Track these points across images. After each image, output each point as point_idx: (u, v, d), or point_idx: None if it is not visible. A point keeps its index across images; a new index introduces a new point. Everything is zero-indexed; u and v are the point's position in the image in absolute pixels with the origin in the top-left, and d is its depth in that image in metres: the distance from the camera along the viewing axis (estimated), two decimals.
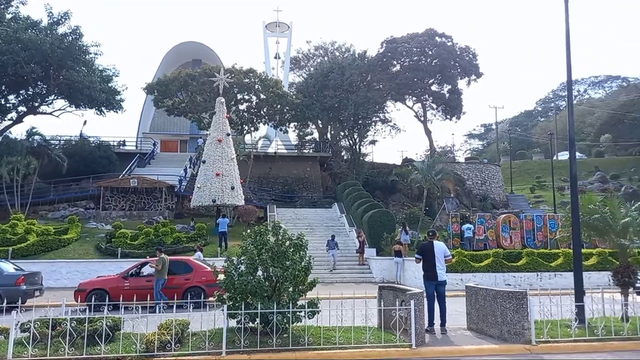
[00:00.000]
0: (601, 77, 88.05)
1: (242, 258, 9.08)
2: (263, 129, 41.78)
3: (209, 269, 13.85)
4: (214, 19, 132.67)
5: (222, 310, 8.17)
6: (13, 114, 35.08)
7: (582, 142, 63.73)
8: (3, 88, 32.91)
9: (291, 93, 39.84)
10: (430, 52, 40.13)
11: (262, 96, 36.94)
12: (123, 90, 36.87)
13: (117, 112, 37.40)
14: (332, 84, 38.44)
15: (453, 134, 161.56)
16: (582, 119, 69.04)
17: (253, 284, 8.45)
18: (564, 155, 53.51)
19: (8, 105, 34.62)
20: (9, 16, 31.29)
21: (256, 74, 36.84)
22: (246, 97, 37.62)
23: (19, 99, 34.54)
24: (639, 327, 8.86)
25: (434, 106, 42.85)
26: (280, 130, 40.50)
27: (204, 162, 26.07)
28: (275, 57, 52.19)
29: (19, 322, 7.76)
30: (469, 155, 59.64)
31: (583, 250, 17.73)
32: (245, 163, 32.33)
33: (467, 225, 24.14)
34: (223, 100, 27.43)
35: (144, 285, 13.55)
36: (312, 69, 47.59)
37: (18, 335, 7.70)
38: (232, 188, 25.27)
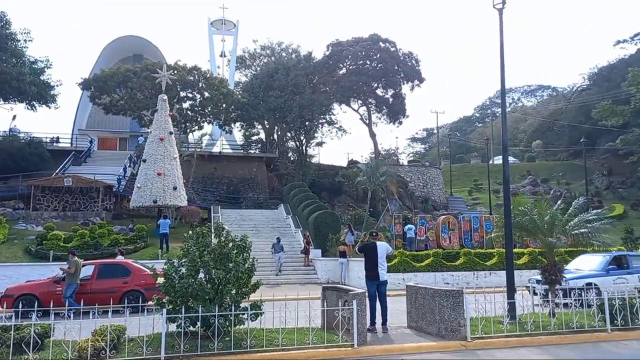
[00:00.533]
0: (533, 87, 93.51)
1: (183, 260, 8.88)
2: (208, 128, 40.97)
3: (148, 271, 13.38)
4: (157, 13, 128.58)
5: (162, 314, 7.92)
6: None
7: (516, 148, 67.38)
8: None
9: (237, 92, 39.33)
10: (375, 57, 40.95)
11: (207, 94, 36.20)
12: (57, 85, 34.77)
13: (49, 107, 35.30)
14: (278, 84, 38.35)
15: (397, 138, 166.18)
16: (515, 126, 73.00)
17: (194, 287, 8.27)
18: (499, 160, 56.32)
19: None
20: None
21: (200, 72, 36.07)
22: (190, 95, 36.70)
23: None
24: (564, 322, 9.48)
25: (378, 110, 43.75)
26: (225, 130, 39.87)
27: (144, 161, 25.19)
28: (221, 55, 51.37)
29: None
30: (411, 158, 61.38)
31: (515, 250, 18.78)
32: (189, 163, 31.55)
33: (409, 225, 24.82)
34: (166, 97, 26.64)
35: (78, 289, 12.84)
36: (258, 68, 47.26)
37: None
38: (175, 188, 24.60)
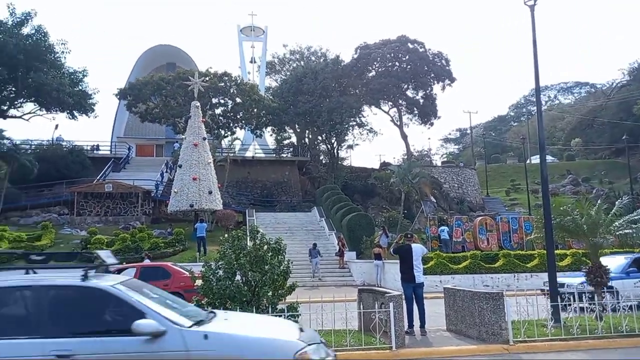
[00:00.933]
0: (570, 83, 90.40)
1: (220, 263, 8.98)
2: (240, 133, 41.58)
3: (187, 274, 13.64)
4: (188, 22, 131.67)
5: None
6: None
7: (554, 147, 65.29)
8: None
9: (267, 97, 39.77)
10: (403, 58, 40.63)
11: (238, 100, 36.77)
12: (95, 94, 35.88)
13: (89, 115, 36.53)
14: (307, 88, 38.55)
15: (429, 138, 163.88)
16: (552, 124, 70.76)
17: (232, 289, 8.35)
18: (537, 159, 54.55)
19: None
20: None
21: (231, 78, 36.69)
22: (222, 101, 37.38)
23: None
24: (612, 326, 9.08)
25: (409, 111, 43.37)
26: (256, 134, 40.35)
27: (180, 166, 25.78)
28: (251, 62, 52.05)
29: None
30: (445, 159, 60.41)
31: (558, 252, 18.14)
32: (223, 167, 32.08)
33: (442, 227, 24.44)
34: (198, 104, 27.23)
35: None
36: (287, 73, 47.63)
37: None
38: (210, 192, 25.05)
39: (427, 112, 41.74)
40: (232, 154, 36.76)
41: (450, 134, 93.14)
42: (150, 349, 4.39)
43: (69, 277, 4.94)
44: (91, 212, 28.71)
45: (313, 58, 47.93)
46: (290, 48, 50.33)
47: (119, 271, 14.51)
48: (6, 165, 27.87)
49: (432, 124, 42.66)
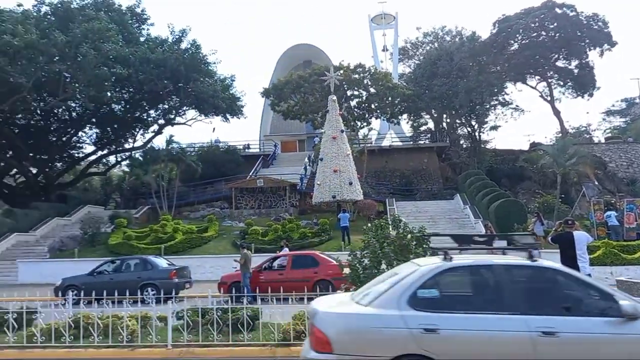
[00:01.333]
0: None
1: (365, 252, 9.21)
2: (375, 123, 41.77)
3: (334, 262, 14.26)
4: (320, 18, 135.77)
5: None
6: (154, 127, 39.65)
7: None
8: (144, 104, 37.22)
9: (401, 84, 39.22)
10: (550, 26, 36.61)
11: (372, 90, 36.94)
12: (242, 97, 39.20)
13: (239, 117, 40.11)
14: (442, 71, 37.11)
15: (588, 113, 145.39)
16: None
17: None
18: None
19: (149, 119, 39.07)
20: (142, 39, 35.06)
21: (364, 69, 36.97)
22: (356, 92, 37.89)
23: (158, 112, 38.72)
24: None
25: (561, 84, 39.10)
26: (392, 122, 40.11)
27: (321, 159, 26.92)
28: (383, 50, 51.93)
29: (174, 311, 8.75)
30: (609, 135, 53.07)
31: None
32: (360, 158, 32.63)
33: (609, 212, 21.65)
34: (335, 97, 28.04)
35: (276, 278, 14.30)
36: (421, 57, 46.37)
37: (174, 323, 8.67)
38: (350, 183, 25.73)
39: (583, 83, 37.19)
40: (369, 145, 37.15)
41: (613, 105, 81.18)
42: (628, 331, 4.57)
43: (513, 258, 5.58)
44: (247, 206, 31.60)
45: (447, 38, 45.96)
46: (423, 30, 49.05)
47: (273, 259, 15.81)
48: (176, 167, 32.02)
49: (590, 96, 37.93)
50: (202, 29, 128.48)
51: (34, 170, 37.01)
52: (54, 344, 8.34)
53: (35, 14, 29.84)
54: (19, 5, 30.02)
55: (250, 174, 35.59)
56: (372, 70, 37.73)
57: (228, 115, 38.82)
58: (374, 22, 52.37)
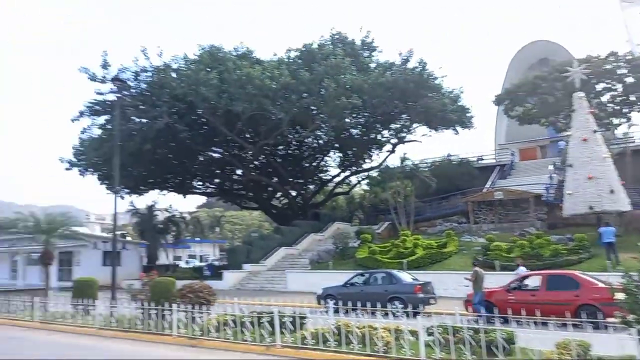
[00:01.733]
0: None
1: None
2: (637, 117, 34.80)
3: (599, 285, 12.37)
4: (548, 13, 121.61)
5: (630, 333, 7.11)
6: (388, 146, 41.92)
7: None
8: (378, 126, 39.74)
9: None
10: None
11: (630, 80, 31.13)
12: (471, 107, 38.26)
13: (469, 129, 38.97)
14: None
15: None
16: None
17: None
18: None
19: (383, 139, 41.57)
20: (372, 65, 37.51)
21: (617, 57, 31.57)
22: (608, 85, 32.59)
23: (390, 132, 40.89)
24: None
25: None
26: None
27: (570, 166, 23.99)
28: None
29: (424, 326, 8.96)
30: None
31: None
32: (621, 161, 27.63)
33: None
34: (582, 94, 24.79)
35: (528, 299, 13.12)
36: None
37: (425, 338, 8.85)
38: (611, 191, 22.15)
39: None
40: (632, 144, 31.26)
41: None
42: None
43: None
44: (485, 220, 30.16)
45: None
46: None
47: (523, 278, 14.63)
48: (411, 183, 32.95)
49: None
50: (426, 49, 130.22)
51: (294, 193, 43.57)
52: (321, 347, 9.56)
53: (286, 59, 35.25)
54: (275, 54, 36.17)
55: (487, 186, 33.99)
56: (629, 56, 31.88)
57: (458, 128, 38.34)
58: (626, 0, 44.30)
